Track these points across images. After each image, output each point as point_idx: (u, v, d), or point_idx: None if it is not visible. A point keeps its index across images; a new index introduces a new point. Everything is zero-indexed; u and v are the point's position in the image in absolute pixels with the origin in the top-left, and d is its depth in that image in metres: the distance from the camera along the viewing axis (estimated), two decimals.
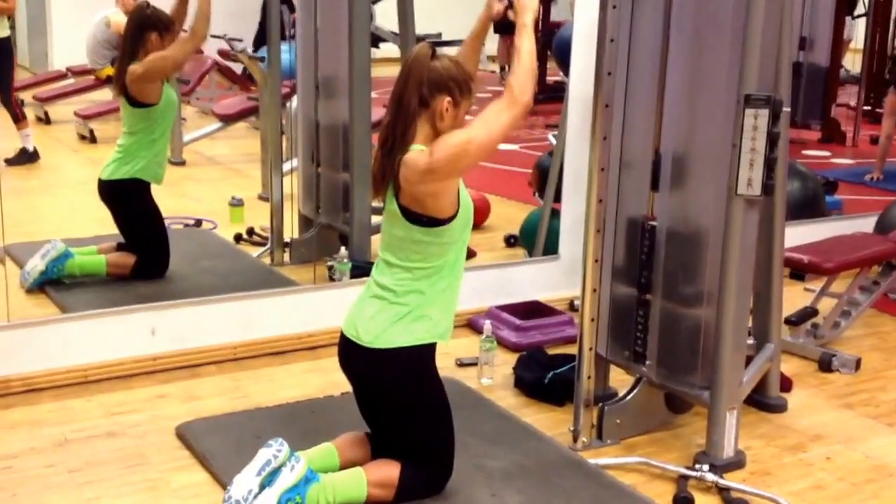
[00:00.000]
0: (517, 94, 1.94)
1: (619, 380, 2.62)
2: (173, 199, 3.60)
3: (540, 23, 6.55)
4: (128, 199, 3.31)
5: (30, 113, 4.89)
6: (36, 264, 3.16)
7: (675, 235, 2.38)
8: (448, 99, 1.97)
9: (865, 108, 6.72)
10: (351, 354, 2.06)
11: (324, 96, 3.62)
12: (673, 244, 2.38)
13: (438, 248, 2.00)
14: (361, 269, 3.27)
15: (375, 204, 3.44)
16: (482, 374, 2.83)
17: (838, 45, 6.40)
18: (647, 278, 2.42)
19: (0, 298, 2.80)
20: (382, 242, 2.07)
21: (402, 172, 1.96)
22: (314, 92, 3.63)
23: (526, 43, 1.99)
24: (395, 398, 2.05)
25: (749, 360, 2.53)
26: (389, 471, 2.05)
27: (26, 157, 4.08)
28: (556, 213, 3.54)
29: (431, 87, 1.96)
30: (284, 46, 3.61)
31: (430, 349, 2.05)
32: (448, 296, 2.05)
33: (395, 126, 1.97)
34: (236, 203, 3.98)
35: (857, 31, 7.23)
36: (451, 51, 2.15)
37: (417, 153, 1.96)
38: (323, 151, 3.64)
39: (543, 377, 2.70)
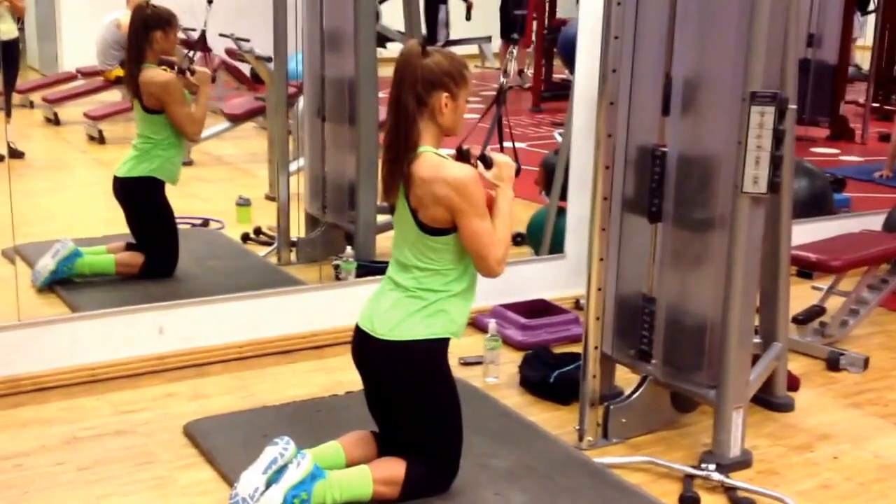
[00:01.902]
0: (498, 262, 2.00)
1: (625, 379, 2.62)
2: (181, 199, 3.62)
3: (546, 20, 6.55)
4: (142, 197, 3.33)
5: (39, 114, 4.93)
6: (46, 263, 3.19)
7: (686, 159, 2.31)
8: (445, 94, 1.98)
9: (874, 105, 6.68)
10: (365, 347, 2.06)
11: (330, 96, 3.63)
12: (684, 170, 2.32)
13: (451, 254, 2.02)
14: (367, 269, 3.28)
15: (381, 203, 3.45)
16: (487, 372, 2.84)
17: (847, 41, 6.36)
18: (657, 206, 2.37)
19: (11, 298, 2.82)
20: (396, 243, 2.08)
21: (418, 171, 1.97)
22: (320, 92, 3.64)
23: (506, 208, 2.04)
24: (407, 392, 2.05)
25: (756, 358, 2.52)
26: (395, 468, 2.06)
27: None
28: (562, 212, 3.54)
29: (426, 85, 1.96)
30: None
31: (444, 345, 2.06)
32: (466, 296, 2.06)
33: (397, 130, 1.98)
34: (243, 203, 4.00)
35: (868, 28, 7.20)
36: (456, 50, 2.16)
37: (441, 160, 1.98)
38: (329, 151, 3.65)
39: (549, 376, 2.70)
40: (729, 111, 2.24)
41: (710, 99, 2.30)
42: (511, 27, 6.61)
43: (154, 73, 3.25)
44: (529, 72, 6.79)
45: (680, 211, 2.36)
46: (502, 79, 2.08)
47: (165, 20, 3.25)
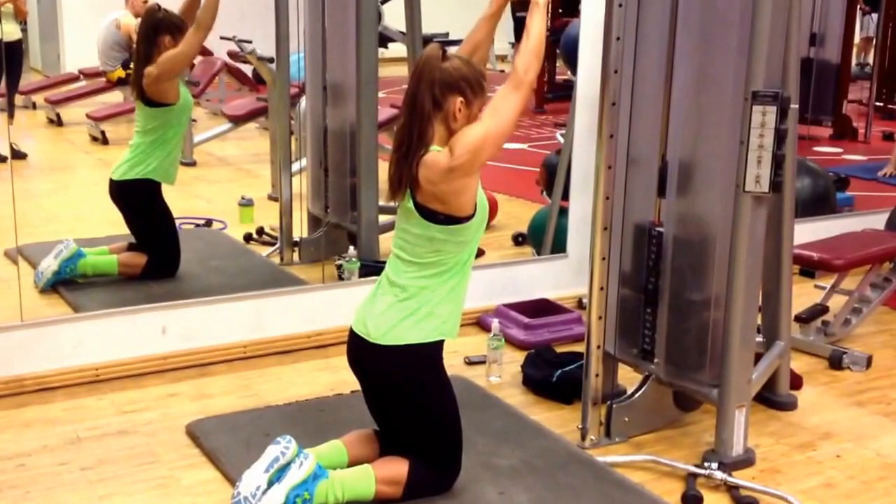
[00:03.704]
0: (521, 74, 1.97)
1: (628, 378, 2.62)
2: (184, 200, 3.63)
3: (548, 22, 6.55)
4: (139, 200, 3.34)
5: (42, 115, 4.95)
6: (49, 264, 3.20)
7: (681, 241, 2.37)
8: (461, 99, 1.98)
9: (877, 103, 6.67)
10: (360, 351, 2.07)
11: (332, 97, 3.63)
12: (680, 250, 2.37)
13: (454, 246, 2.02)
14: (370, 268, 3.28)
15: (383, 203, 3.46)
16: (490, 372, 2.84)
17: (849, 40, 6.35)
18: (654, 284, 2.41)
19: (14, 298, 2.83)
20: (396, 240, 2.08)
21: (423, 174, 1.97)
22: (322, 93, 3.64)
23: (536, 22, 2.01)
24: (404, 395, 2.06)
25: (758, 357, 2.52)
26: (398, 468, 2.06)
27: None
28: (563, 212, 3.54)
29: (443, 88, 1.97)
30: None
31: (438, 346, 2.06)
32: (458, 294, 2.06)
33: (410, 129, 1.98)
34: (246, 203, 4.00)
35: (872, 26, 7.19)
36: (455, 51, 2.16)
37: (436, 154, 1.98)
38: (331, 151, 3.66)
39: (551, 375, 2.71)
40: (723, 193, 2.25)
41: (707, 178, 2.31)
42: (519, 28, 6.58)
43: (149, 69, 3.24)
44: None
45: (676, 290, 2.37)
46: None
47: (176, 26, 3.23)
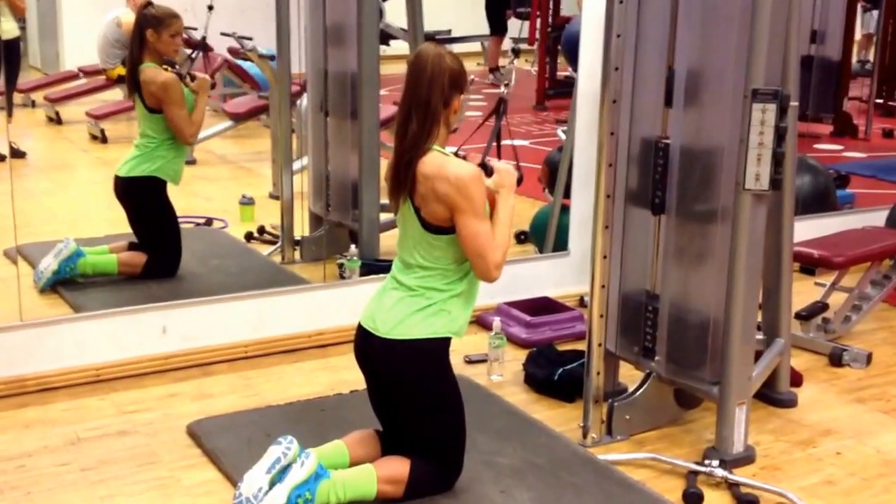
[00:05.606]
0: (496, 266, 2.00)
1: (629, 375, 2.62)
2: (184, 198, 3.62)
3: (549, 19, 6.53)
4: (143, 197, 3.34)
5: (41, 113, 4.94)
6: (49, 263, 3.19)
7: (688, 152, 2.31)
8: (462, 96, 2.01)
9: (878, 101, 6.66)
10: (367, 345, 2.07)
11: (333, 93, 3.62)
12: (686, 161, 2.32)
13: (454, 253, 2.02)
14: (371, 267, 3.28)
15: (384, 201, 3.45)
16: (491, 370, 2.84)
17: (850, 37, 6.34)
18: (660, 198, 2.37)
19: (13, 298, 2.83)
20: (400, 242, 2.09)
21: (421, 168, 1.98)
22: (323, 91, 3.64)
23: (508, 211, 2.04)
24: (409, 391, 2.06)
25: (759, 354, 2.52)
26: (399, 467, 2.06)
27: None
28: (566, 209, 3.54)
29: (450, 87, 1.99)
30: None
31: (445, 343, 2.06)
32: (467, 295, 2.07)
33: (420, 131, 1.98)
34: (247, 201, 4.00)
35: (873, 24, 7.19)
36: (457, 48, 2.16)
37: (438, 155, 1.99)
38: (332, 148, 3.65)
39: (553, 373, 2.71)
40: (732, 104, 2.23)
41: (713, 92, 2.29)
42: (500, 25, 6.41)
43: (155, 73, 3.26)
44: (534, 70, 6.78)
45: (683, 203, 2.36)
46: (503, 89, 2.11)
47: (157, 20, 3.26)
